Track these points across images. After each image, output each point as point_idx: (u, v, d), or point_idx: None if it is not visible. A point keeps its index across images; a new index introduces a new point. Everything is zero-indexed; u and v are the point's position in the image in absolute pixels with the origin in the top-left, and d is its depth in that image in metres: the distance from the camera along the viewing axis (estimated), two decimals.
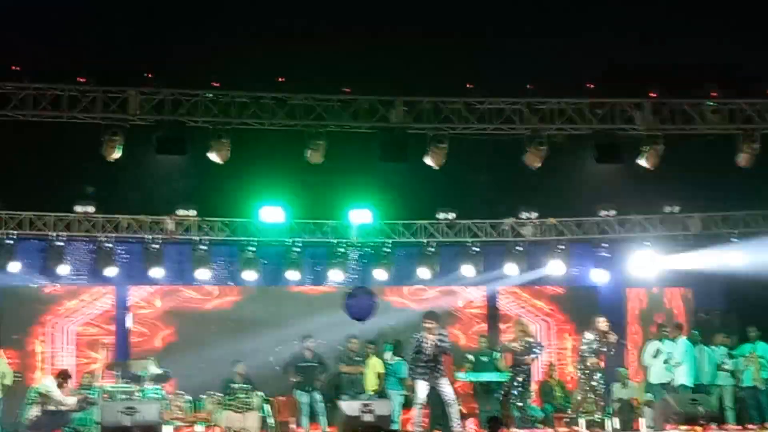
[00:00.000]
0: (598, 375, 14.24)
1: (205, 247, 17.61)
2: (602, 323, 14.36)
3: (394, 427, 14.19)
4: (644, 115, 14.25)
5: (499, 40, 15.24)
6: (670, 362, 15.49)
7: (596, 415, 14.29)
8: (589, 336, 14.34)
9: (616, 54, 15.24)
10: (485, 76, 14.41)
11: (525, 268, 18.38)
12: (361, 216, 17.43)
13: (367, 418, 13.42)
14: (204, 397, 15.54)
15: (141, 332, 18.18)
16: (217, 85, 13.69)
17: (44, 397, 13.33)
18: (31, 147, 14.48)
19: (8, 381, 15.56)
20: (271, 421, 15.39)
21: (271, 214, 17.33)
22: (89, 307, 18.07)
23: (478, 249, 18.09)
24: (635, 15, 15.19)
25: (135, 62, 13.91)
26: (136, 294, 18.28)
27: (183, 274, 18.15)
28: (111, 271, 17.54)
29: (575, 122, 14.23)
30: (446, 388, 13.12)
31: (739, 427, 14.65)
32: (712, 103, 14.22)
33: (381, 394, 15.55)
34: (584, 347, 14.31)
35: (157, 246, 17.43)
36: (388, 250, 18.02)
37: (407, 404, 14.69)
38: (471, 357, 16.20)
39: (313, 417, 15.59)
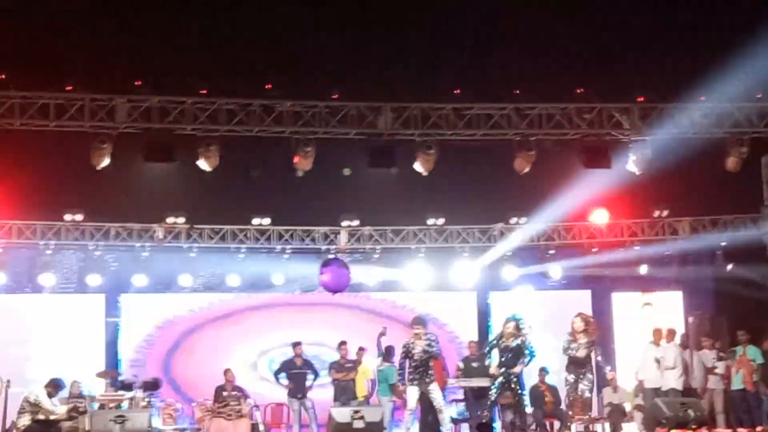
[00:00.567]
0: (586, 379, 13.89)
1: (193, 254, 17.62)
2: (575, 322, 13.95)
3: None
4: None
5: (487, 47, 15.28)
6: (660, 366, 15.47)
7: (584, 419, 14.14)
8: (565, 338, 13.96)
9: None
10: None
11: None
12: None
13: (358, 424, 13.38)
14: (194, 404, 15.51)
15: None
16: (204, 92, 13.67)
17: (34, 407, 13.25)
18: (18, 156, 14.44)
19: None
20: (261, 428, 15.33)
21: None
22: (78, 315, 18.05)
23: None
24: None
25: (122, 70, 13.89)
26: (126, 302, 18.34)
27: (170, 283, 18.23)
28: (98, 279, 17.53)
29: (563, 127, 14.30)
30: (436, 394, 13.08)
31: (730, 431, 14.65)
32: None
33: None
34: (564, 349, 13.94)
35: (146, 253, 17.39)
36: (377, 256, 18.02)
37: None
38: (461, 364, 16.14)
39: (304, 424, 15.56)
